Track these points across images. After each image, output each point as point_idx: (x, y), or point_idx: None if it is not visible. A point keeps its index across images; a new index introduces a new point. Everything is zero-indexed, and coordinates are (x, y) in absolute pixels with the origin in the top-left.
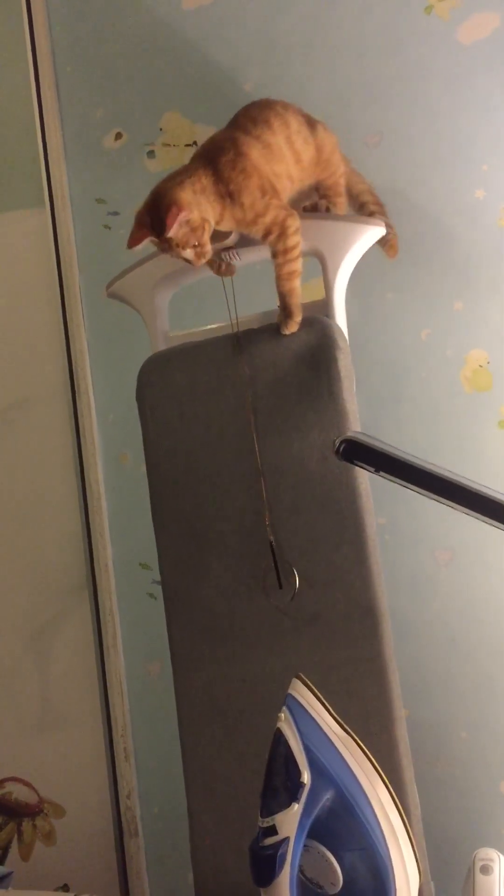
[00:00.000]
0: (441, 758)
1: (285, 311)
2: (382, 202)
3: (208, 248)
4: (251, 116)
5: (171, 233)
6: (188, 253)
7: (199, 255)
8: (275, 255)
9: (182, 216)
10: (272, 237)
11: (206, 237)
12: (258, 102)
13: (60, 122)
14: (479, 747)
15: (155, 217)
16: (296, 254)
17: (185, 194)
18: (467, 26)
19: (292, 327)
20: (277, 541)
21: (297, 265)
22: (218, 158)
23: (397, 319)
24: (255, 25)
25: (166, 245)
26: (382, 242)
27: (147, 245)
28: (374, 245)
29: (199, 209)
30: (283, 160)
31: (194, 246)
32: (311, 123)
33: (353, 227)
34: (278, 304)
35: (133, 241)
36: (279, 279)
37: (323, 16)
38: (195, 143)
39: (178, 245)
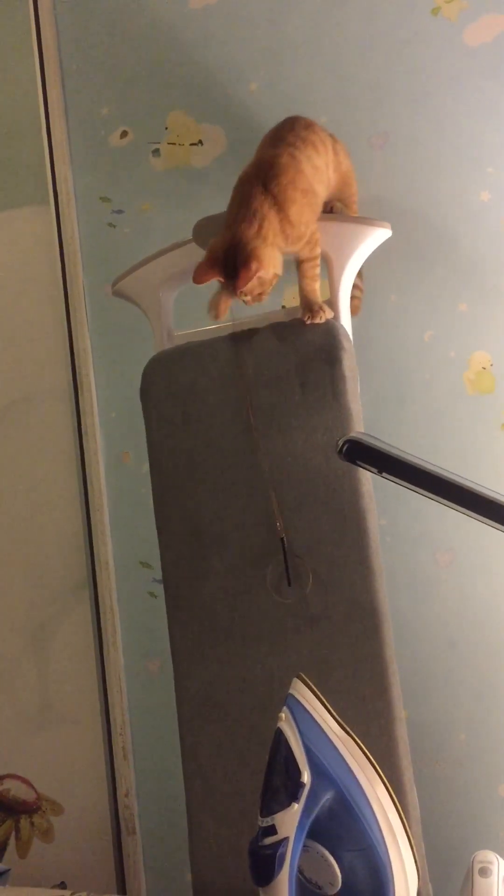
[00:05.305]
0: (440, 759)
1: (315, 304)
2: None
3: (267, 296)
4: (299, 135)
5: (243, 287)
6: (247, 298)
7: (254, 300)
8: (303, 261)
9: (261, 274)
10: (307, 248)
11: (270, 288)
12: (299, 121)
13: (66, 119)
14: (479, 749)
15: (231, 262)
16: (319, 258)
17: (267, 251)
18: (475, 28)
19: (329, 312)
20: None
21: (319, 267)
22: (277, 180)
23: (400, 321)
24: (261, 25)
25: (230, 289)
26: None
27: (151, 242)
28: (378, 247)
29: (273, 265)
30: (321, 181)
31: (257, 294)
32: (335, 147)
33: (359, 229)
34: (301, 302)
35: (201, 277)
36: (306, 279)
37: (329, 16)
38: (200, 141)
39: (242, 292)
